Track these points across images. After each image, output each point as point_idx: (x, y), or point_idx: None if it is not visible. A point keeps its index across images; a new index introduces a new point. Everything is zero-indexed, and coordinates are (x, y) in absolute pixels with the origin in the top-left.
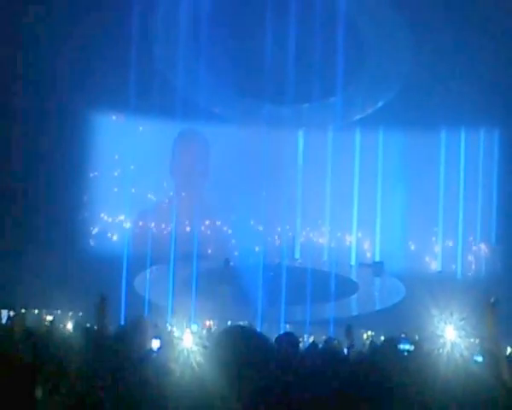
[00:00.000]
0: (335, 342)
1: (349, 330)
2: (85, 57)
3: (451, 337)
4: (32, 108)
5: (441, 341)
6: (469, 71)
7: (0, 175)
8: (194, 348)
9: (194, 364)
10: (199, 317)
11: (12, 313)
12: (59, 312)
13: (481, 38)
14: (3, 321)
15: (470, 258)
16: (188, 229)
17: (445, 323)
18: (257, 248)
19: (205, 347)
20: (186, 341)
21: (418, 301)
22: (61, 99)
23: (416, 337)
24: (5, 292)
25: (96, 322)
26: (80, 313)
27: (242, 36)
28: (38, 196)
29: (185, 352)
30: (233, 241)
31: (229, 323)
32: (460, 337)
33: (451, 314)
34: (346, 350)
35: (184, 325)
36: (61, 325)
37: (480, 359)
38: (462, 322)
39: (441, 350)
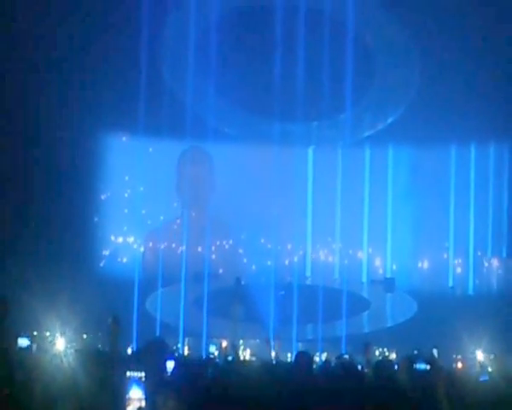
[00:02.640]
0: (346, 357)
1: (368, 348)
2: (96, 79)
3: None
4: (43, 130)
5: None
6: (479, 87)
7: (12, 197)
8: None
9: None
10: (211, 337)
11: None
12: (70, 335)
13: (492, 55)
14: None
15: (482, 273)
16: (199, 249)
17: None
18: (268, 266)
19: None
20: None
21: (430, 318)
22: (72, 121)
23: (435, 353)
24: (16, 316)
25: (110, 342)
26: (84, 335)
27: (252, 55)
28: (49, 217)
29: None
30: (244, 260)
31: (241, 342)
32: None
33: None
34: (362, 367)
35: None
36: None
37: (486, 377)
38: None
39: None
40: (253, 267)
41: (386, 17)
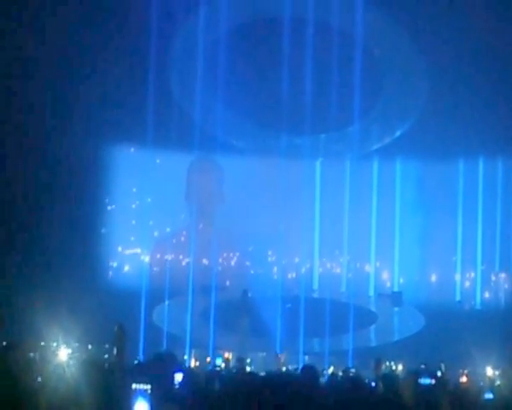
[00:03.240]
0: (353, 371)
1: (378, 363)
2: (104, 92)
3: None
4: (51, 142)
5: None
6: (487, 100)
7: (20, 209)
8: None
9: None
10: (218, 348)
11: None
12: (76, 345)
13: (501, 69)
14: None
15: (490, 287)
16: (205, 261)
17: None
18: (275, 279)
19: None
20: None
21: (437, 332)
22: (80, 133)
23: (442, 368)
24: (25, 327)
25: (116, 350)
26: (90, 346)
27: (260, 69)
28: (57, 228)
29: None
30: (251, 272)
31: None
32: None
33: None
34: (374, 384)
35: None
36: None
37: (490, 396)
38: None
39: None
40: (260, 280)
41: (395, 31)
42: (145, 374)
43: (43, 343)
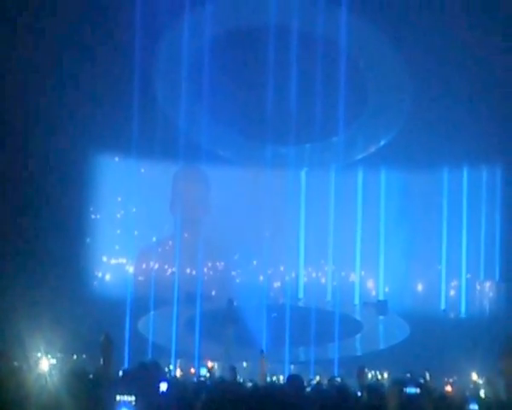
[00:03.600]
0: (338, 380)
1: (361, 372)
2: (89, 100)
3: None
4: (35, 150)
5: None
6: (471, 110)
7: (3, 220)
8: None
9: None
10: (204, 358)
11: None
12: (59, 355)
13: (483, 79)
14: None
15: (474, 296)
16: (191, 270)
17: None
18: (260, 288)
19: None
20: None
21: (423, 340)
22: (64, 141)
23: (427, 376)
24: (8, 336)
25: (102, 360)
26: (75, 356)
27: (244, 78)
28: (41, 238)
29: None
30: (237, 281)
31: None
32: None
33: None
34: (359, 393)
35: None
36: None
37: (475, 407)
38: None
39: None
40: (246, 289)
41: (379, 40)
42: (129, 384)
43: (26, 353)
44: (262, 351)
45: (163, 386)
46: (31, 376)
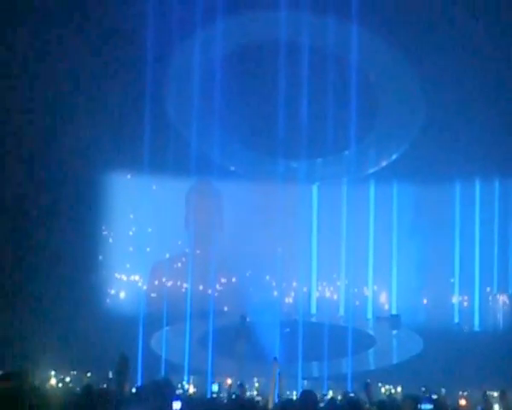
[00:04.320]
0: (352, 395)
1: (368, 388)
2: (100, 118)
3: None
4: (46, 169)
5: None
6: (483, 124)
7: (15, 238)
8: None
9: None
10: (217, 375)
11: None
12: (73, 373)
13: (496, 91)
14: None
15: (488, 309)
16: (204, 286)
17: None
18: (273, 304)
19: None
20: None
21: (436, 354)
22: (77, 159)
23: (443, 392)
24: (23, 355)
25: (116, 380)
26: (89, 374)
27: (256, 94)
28: (53, 256)
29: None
30: (249, 297)
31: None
32: None
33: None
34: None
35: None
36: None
37: None
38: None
39: None
40: (259, 305)
41: (390, 54)
42: (142, 403)
43: (39, 372)
44: (275, 358)
45: (176, 405)
46: (46, 394)
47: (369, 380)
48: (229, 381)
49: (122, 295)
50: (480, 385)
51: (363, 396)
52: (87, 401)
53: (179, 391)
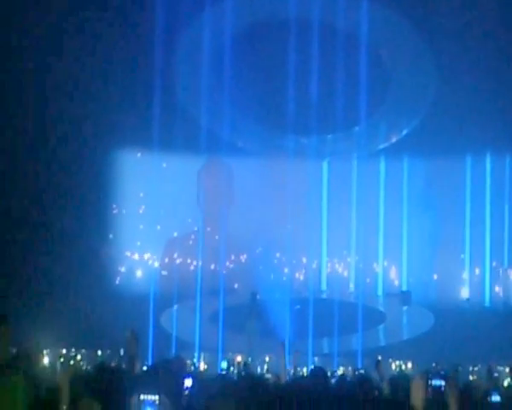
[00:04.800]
0: (362, 372)
1: (379, 365)
2: (110, 96)
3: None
4: (57, 147)
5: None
6: (495, 98)
7: (26, 215)
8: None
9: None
10: (227, 352)
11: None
12: (84, 351)
13: (507, 65)
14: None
15: (499, 285)
16: (214, 264)
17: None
18: (283, 281)
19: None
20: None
21: (447, 330)
22: (87, 138)
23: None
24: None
25: (127, 358)
26: (99, 352)
27: (265, 70)
28: (64, 234)
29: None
30: (260, 274)
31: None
32: None
33: None
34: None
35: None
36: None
37: (497, 398)
38: None
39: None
40: (269, 282)
41: (401, 28)
42: (153, 382)
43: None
44: (283, 343)
45: (188, 382)
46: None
47: (379, 357)
48: (239, 358)
49: (133, 273)
50: (489, 361)
51: (373, 372)
52: (102, 378)
53: (190, 368)
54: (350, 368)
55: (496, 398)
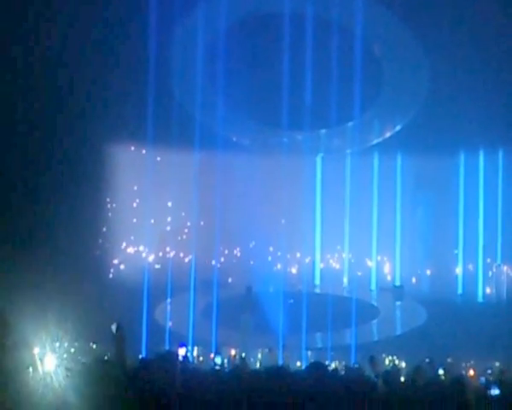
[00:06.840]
0: (356, 366)
1: (373, 360)
2: (104, 90)
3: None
4: (51, 142)
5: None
6: (487, 94)
7: (20, 209)
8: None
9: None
10: (221, 346)
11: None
12: (77, 344)
13: (502, 62)
14: None
15: (491, 280)
16: (208, 258)
17: None
18: (277, 275)
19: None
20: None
21: (439, 325)
22: (81, 131)
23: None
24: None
25: (116, 351)
26: (94, 345)
27: (259, 65)
28: (58, 228)
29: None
30: (253, 268)
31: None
32: None
33: None
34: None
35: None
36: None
37: (496, 391)
38: None
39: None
40: (262, 276)
41: (395, 25)
42: (147, 376)
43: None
44: (270, 349)
45: (181, 351)
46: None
47: (373, 354)
48: (233, 352)
49: (126, 266)
50: (483, 355)
51: (366, 367)
52: (101, 371)
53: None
54: (343, 363)
55: (495, 391)
